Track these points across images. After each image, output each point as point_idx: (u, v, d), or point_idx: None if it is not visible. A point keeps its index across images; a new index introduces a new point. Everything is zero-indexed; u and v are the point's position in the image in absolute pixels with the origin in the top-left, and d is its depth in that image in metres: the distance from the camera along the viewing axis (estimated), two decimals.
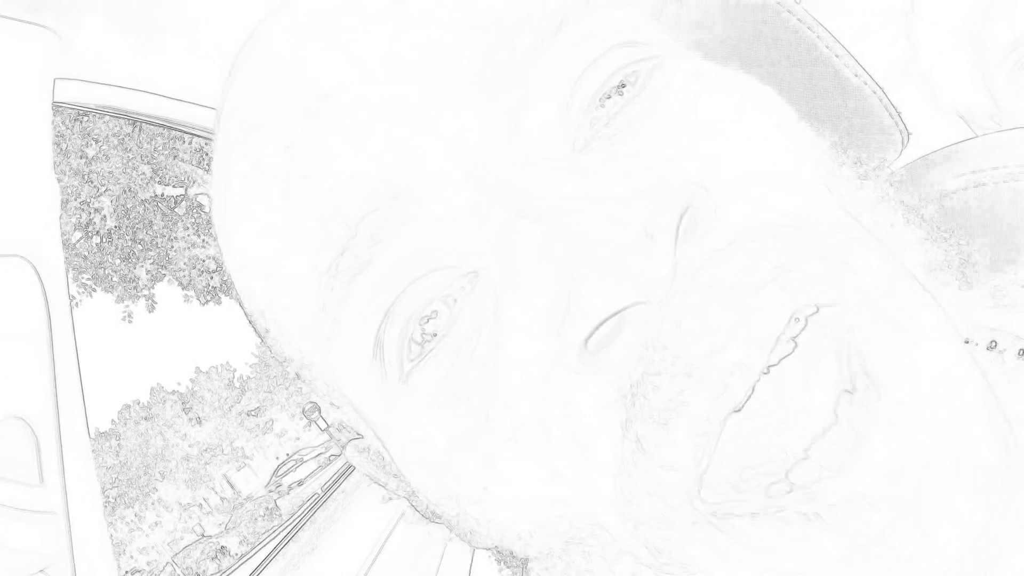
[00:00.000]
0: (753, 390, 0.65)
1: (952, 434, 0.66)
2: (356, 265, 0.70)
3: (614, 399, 0.67)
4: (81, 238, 0.90)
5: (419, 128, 0.69)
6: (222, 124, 0.77)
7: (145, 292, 0.91)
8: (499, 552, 0.80)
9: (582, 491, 0.70)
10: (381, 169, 0.69)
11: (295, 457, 0.92)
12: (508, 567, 0.81)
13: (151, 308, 0.91)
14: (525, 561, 0.78)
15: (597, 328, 0.66)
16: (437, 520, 0.79)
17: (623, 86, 0.70)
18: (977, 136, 0.80)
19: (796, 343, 0.66)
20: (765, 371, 0.65)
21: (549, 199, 0.67)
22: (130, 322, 0.91)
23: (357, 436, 0.82)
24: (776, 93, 0.74)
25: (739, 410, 0.66)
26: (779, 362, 0.66)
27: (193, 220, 0.91)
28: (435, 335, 0.70)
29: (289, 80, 0.72)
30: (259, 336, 0.79)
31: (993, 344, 0.73)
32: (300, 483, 0.93)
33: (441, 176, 0.68)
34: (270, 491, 0.91)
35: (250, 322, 0.80)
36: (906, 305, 0.68)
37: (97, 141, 0.90)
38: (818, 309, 0.66)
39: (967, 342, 0.74)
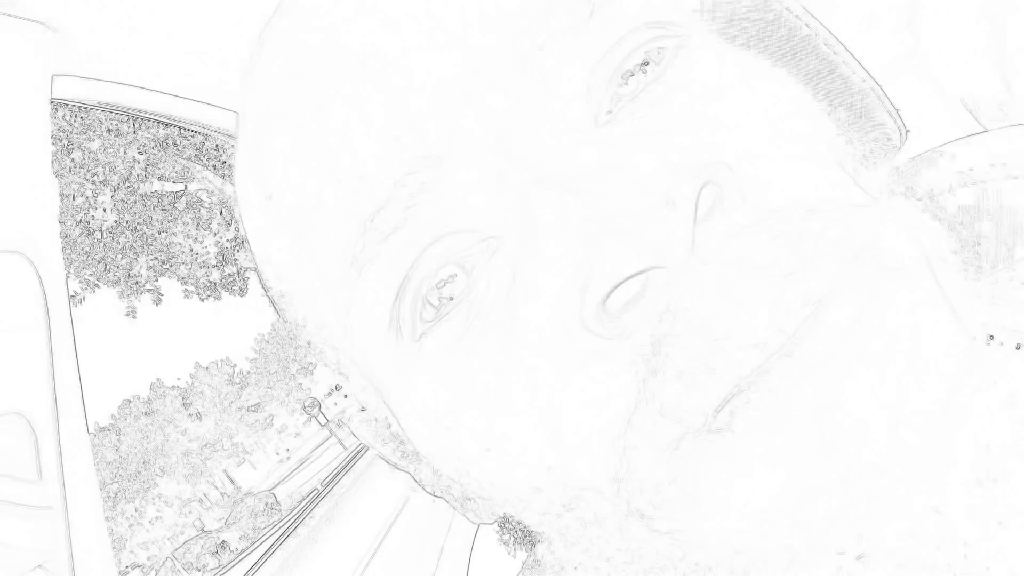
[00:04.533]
0: None
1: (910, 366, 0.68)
2: (392, 223, 0.71)
3: (631, 360, 0.68)
4: (81, 234, 0.90)
5: (457, 97, 0.70)
6: (253, 83, 0.77)
7: (150, 286, 0.91)
8: (503, 523, 0.81)
9: (583, 455, 0.71)
10: (424, 134, 0.70)
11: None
12: (511, 533, 0.81)
13: (157, 301, 0.91)
14: (531, 536, 0.79)
15: (614, 289, 0.67)
16: (439, 495, 0.80)
17: (646, 64, 0.71)
18: (977, 133, 0.81)
19: None
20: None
21: (569, 166, 0.69)
22: (135, 317, 0.91)
23: (361, 409, 0.83)
24: (788, 74, 0.75)
25: None
26: None
27: (193, 215, 0.91)
28: (451, 299, 0.71)
29: (323, 41, 0.73)
30: (272, 303, 0.80)
31: (991, 339, 0.75)
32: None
33: (473, 143, 0.69)
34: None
35: (264, 288, 0.80)
36: (907, 277, 0.70)
37: (97, 137, 0.90)
38: None
39: None
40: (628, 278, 0.67)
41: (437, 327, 0.72)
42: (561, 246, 0.68)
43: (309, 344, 0.80)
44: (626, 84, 0.71)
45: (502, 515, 0.79)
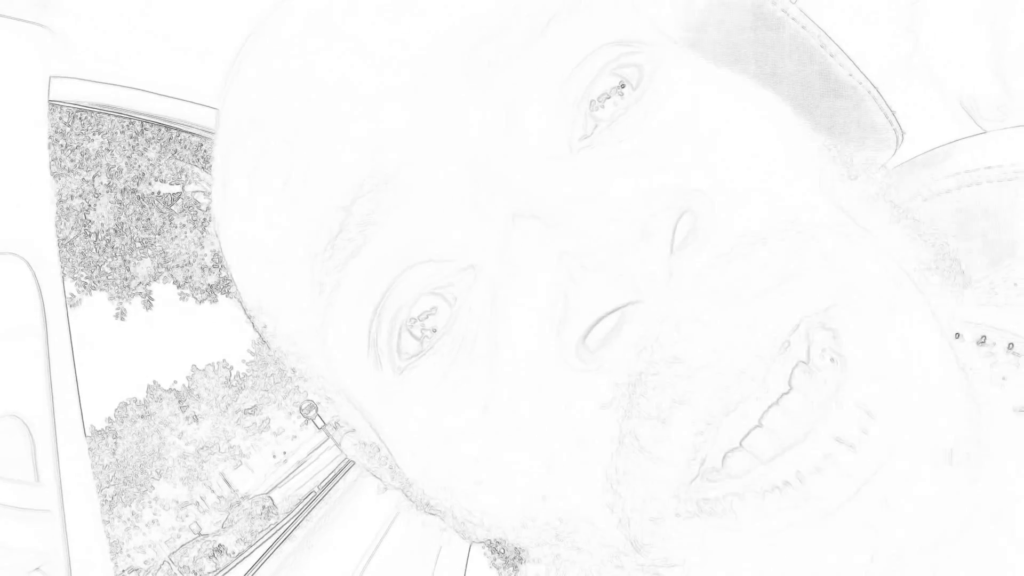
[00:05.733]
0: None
1: (919, 413, 0.67)
2: (350, 248, 0.71)
3: (612, 396, 0.68)
4: (77, 236, 0.90)
5: (413, 117, 0.70)
6: (224, 120, 0.77)
7: (141, 289, 0.91)
8: (493, 545, 0.81)
9: (574, 486, 0.71)
10: (375, 155, 0.70)
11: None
12: (501, 556, 0.81)
13: (148, 305, 0.91)
14: (519, 556, 0.79)
15: (594, 325, 0.67)
16: (431, 511, 0.80)
17: (622, 86, 0.70)
18: (975, 134, 0.81)
19: (792, 386, 0.67)
20: (773, 402, 0.67)
21: (548, 198, 0.68)
22: (123, 319, 0.91)
23: (352, 431, 0.83)
24: (772, 93, 0.75)
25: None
26: (779, 400, 0.67)
27: (190, 217, 0.91)
28: (434, 331, 0.70)
29: (292, 78, 0.73)
30: (258, 332, 0.80)
31: (983, 339, 0.74)
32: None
33: (435, 165, 0.69)
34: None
35: (249, 318, 0.80)
36: (890, 296, 0.69)
37: (95, 138, 0.90)
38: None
39: (957, 336, 0.75)
40: (606, 314, 0.66)
41: (421, 361, 0.71)
42: (539, 280, 0.68)
43: (294, 371, 0.80)
44: (603, 107, 0.70)
45: (491, 538, 0.78)
